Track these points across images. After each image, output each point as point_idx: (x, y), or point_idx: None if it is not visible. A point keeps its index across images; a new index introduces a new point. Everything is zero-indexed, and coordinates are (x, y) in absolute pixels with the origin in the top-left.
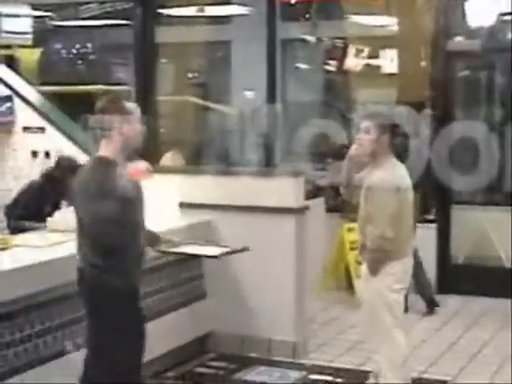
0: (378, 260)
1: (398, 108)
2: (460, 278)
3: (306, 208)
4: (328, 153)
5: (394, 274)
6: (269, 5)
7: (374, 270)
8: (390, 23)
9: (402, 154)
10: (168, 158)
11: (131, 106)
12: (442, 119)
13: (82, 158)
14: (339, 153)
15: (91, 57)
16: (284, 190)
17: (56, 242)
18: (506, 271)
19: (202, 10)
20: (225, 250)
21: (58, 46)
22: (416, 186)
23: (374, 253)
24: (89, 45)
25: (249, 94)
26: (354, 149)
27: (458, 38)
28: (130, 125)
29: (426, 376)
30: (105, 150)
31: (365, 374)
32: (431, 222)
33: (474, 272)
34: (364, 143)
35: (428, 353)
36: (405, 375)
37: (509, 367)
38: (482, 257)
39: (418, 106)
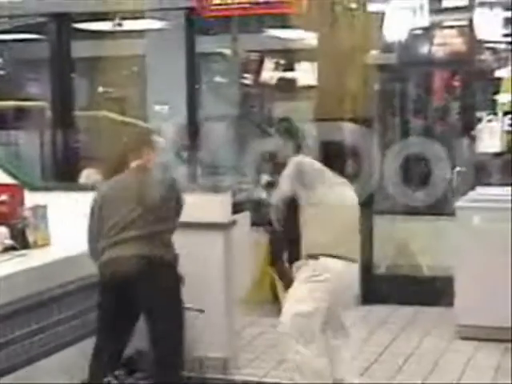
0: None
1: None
2: (383, 287)
3: (234, 223)
4: (251, 166)
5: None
6: (186, 19)
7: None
8: (306, 37)
9: None
10: (85, 176)
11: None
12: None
13: None
14: (261, 166)
15: (1, 72)
16: (211, 205)
17: None
18: (426, 280)
19: (118, 25)
20: None
21: None
22: None
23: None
24: None
25: (166, 108)
26: None
27: (375, 52)
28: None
29: None
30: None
31: None
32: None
33: (396, 281)
34: None
35: (357, 363)
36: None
37: (437, 375)
38: (403, 266)
39: (337, 119)
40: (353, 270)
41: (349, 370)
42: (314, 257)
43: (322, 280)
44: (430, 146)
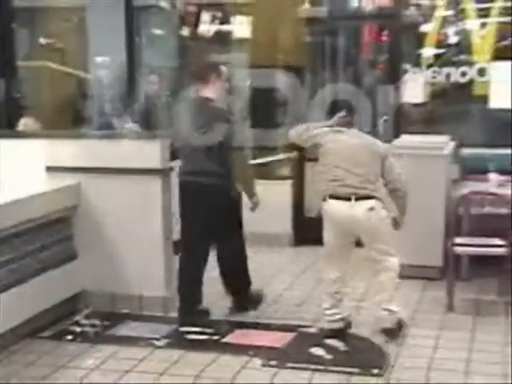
0: None
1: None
2: (313, 229)
3: (171, 169)
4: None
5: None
6: None
7: None
8: None
9: None
10: (23, 124)
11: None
12: (300, 80)
13: None
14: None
15: None
16: (150, 152)
17: None
18: None
19: None
20: None
21: None
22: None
23: None
24: None
25: (107, 59)
26: None
27: (307, 6)
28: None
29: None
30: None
31: (232, 324)
32: (287, 178)
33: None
34: None
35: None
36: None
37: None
38: None
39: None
40: (354, 207)
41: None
42: (323, 199)
43: (330, 217)
44: (356, 93)
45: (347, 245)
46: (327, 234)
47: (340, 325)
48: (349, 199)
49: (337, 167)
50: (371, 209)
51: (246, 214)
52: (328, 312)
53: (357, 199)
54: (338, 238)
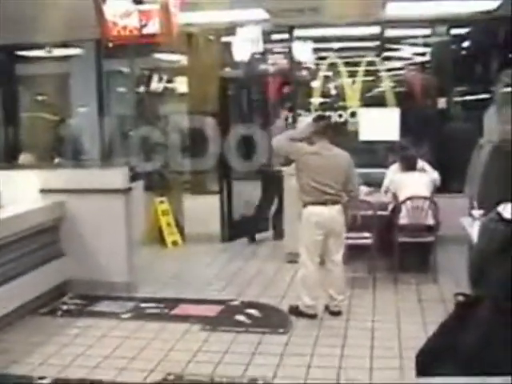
0: None
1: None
2: (237, 229)
3: (130, 189)
4: (145, 149)
5: (305, 214)
6: (96, 47)
7: None
8: (180, 59)
9: None
10: (22, 159)
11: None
12: (222, 122)
13: None
14: (152, 150)
15: None
16: (114, 176)
17: None
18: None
19: (49, 51)
20: None
21: None
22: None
23: None
24: None
25: (84, 109)
26: None
27: (228, 69)
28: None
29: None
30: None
31: (176, 302)
32: (217, 192)
33: (246, 225)
34: None
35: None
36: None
37: (272, 287)
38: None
39: (204, 114)
40: (330, 211)
41: (336, 287)
42: (304, 206)
43: (312, 220)
44: (257, 131)
45: (322, 239)
46: (308, 233)
47: (316, 311)
48: (325, 204)
49: (315, 180)
50: (339, 211)
51: None
52: (309, 304)
53: (331, 204)
54: (318, 234)
